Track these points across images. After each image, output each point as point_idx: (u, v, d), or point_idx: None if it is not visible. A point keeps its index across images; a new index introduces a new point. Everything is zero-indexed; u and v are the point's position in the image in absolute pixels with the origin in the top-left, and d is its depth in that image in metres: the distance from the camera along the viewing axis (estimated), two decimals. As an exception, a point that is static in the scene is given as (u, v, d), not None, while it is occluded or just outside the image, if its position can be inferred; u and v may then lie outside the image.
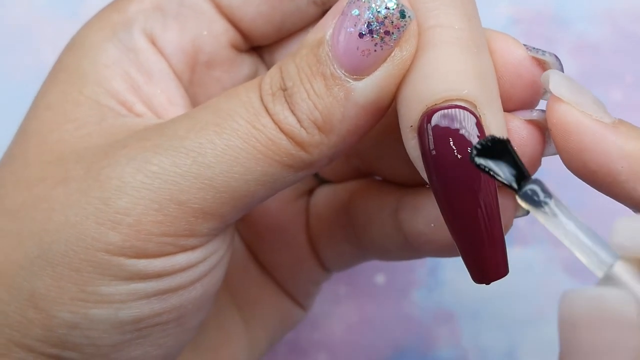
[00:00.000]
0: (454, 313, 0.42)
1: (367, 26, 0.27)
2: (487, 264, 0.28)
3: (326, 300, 0.42)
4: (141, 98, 0.31)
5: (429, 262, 0.42)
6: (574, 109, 0.27)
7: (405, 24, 0.27)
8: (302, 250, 0.37)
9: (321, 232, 0.37)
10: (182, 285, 0.29)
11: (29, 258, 0.28)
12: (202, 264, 0.29)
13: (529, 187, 0.25)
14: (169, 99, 0.32)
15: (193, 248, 0.29)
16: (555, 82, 0.28)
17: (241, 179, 0.28)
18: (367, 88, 0.27)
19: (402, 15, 0.27)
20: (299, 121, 0.28)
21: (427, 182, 0.28)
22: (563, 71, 0.30)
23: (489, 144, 0.25)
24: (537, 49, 0.30)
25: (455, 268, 0.43)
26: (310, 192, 0.37)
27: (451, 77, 0.27)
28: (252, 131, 0.28)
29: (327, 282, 0.43)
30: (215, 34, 0.33)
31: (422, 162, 0.27)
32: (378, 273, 0.43)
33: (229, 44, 0.34)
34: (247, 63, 0.35)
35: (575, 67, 0.43)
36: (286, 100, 0.28)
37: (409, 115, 0.27)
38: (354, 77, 0.27)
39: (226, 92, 0.29)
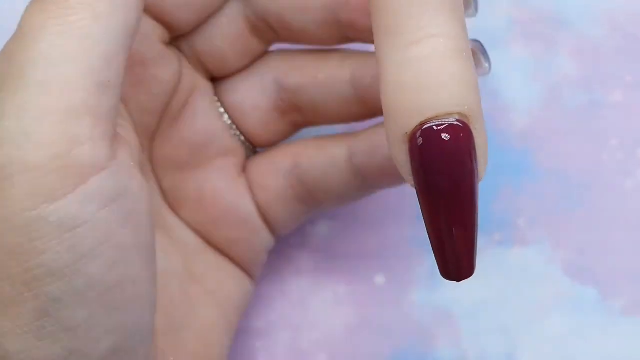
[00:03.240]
0: (454, 313, 0.42)
1: None
2: (460, 260, 0.27)
3: (326, 300, 0.42)
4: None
5: (429, 262, 0.42)
6: None
7: None
8: (254, 223, 0.38)
9: (269, 200, 0.38)
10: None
11: None
12: (110, 187, 0.28)
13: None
14: None
15: (94, 167, 0.28)
16: None
17: None
18: None
19: None
20: None
21: (411, 184, 0.28)
22: (488, 54, 0.32)
23: None
24: None
25: (455, 268, 0.43)
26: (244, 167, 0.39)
27: (453, 89, 0.26)
28: None
29: (327, 282, 0.43)
30: (146, 32, 0.34)
31: (409, 165, 0.27)
32: (378, 273, 0.43)
33: (159, 40, 0.35)
34: (173, 57, 0.36)
35: (576, 67, 0.43)
36: None
37: (404, 123, 0.27)
38: None
39: None
